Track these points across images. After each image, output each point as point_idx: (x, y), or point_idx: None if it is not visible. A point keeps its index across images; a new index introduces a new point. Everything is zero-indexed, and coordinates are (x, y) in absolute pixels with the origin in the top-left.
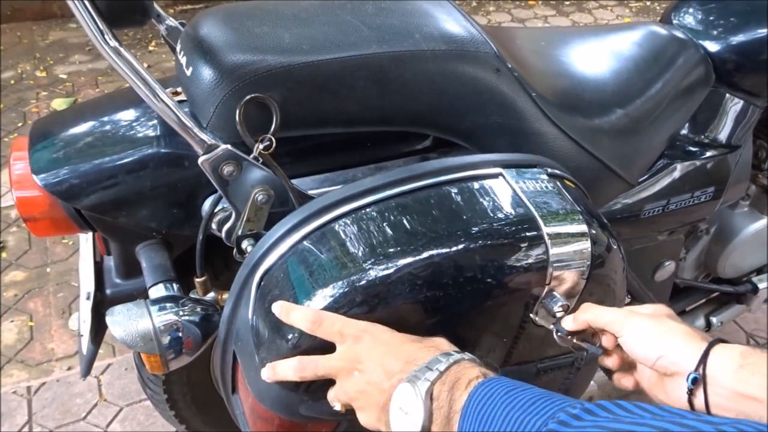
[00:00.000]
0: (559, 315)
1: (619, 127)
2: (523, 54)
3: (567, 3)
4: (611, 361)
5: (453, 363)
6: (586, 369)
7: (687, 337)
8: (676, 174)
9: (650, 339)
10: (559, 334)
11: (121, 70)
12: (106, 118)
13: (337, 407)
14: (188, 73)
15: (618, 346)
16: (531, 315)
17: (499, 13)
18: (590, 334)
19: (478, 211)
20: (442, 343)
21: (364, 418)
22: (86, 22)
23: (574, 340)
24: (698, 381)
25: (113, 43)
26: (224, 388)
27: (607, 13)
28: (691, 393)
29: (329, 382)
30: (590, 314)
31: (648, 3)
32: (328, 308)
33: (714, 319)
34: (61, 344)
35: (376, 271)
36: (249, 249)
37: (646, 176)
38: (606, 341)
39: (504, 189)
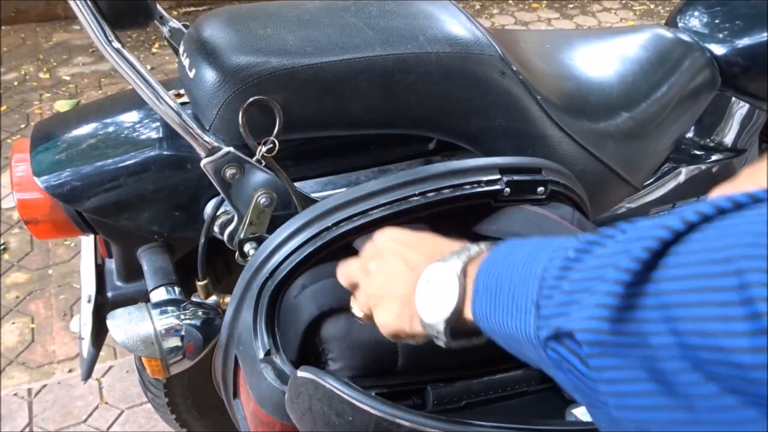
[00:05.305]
0: None
1: (625, 130)
2: (528, 57)
3: (571, 6)
4: None
5: (485, 249)
6: None
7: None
8: (682, 178)
9: None
10: None
11: (124, 72)
12: (108, 120)
13: (359, 314)
14: (191, 75)
15: None
16: None
17: (503, 16)
18: None
19: None
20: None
21: (382, 317)
22: (88, 24)
23: None
24: None
25: (116, 44)
26: (225, 392)
27: (610, 16)
28: None
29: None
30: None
31: (652, 6)
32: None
33: None
34: (63, 346)
35: None
36: (251, 252)
37: (651, 180)
38: None
39: None
